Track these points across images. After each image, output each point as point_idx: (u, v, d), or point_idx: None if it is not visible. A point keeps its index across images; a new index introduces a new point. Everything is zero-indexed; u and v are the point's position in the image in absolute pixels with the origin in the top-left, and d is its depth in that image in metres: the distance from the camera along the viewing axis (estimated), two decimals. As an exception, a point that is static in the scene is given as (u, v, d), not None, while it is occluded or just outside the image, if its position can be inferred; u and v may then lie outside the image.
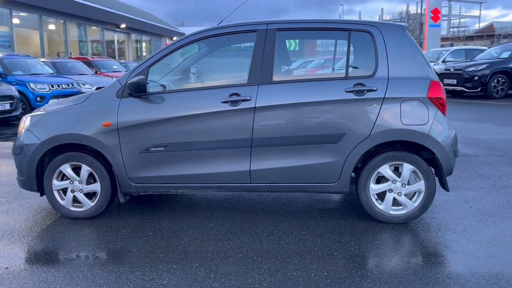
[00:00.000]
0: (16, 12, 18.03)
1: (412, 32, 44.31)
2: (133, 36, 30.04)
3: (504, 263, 2.92)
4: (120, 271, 2.87)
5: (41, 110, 4.02)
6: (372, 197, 3.62)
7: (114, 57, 27.67)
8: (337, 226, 3.60)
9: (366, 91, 3.50)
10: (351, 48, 3.65)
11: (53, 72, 12.93)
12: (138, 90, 3.57)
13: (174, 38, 36.97)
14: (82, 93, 9.47)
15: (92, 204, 3.81)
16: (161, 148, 3.66)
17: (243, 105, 3.55)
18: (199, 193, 3.84)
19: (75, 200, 3.84)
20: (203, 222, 3.73)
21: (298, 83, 3.65)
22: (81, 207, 3.83)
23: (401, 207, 3.63)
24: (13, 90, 10.01)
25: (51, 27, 21.53)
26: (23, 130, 3.86)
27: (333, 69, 3.90)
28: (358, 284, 2.68)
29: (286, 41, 3.84)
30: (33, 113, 3.98)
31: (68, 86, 11.92)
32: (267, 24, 3.68)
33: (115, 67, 17.68)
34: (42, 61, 13.90)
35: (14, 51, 17.06)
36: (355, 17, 58.93)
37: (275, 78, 3.61)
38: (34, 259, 3.11)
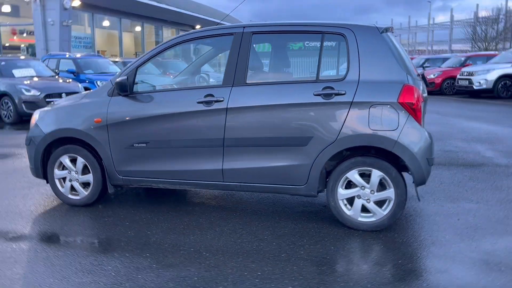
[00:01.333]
0: (97, 15, 19.62)
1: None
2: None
3: (451, 279, 2.76)
4: (79, 254, 3.16)
5: (51, 105, 4.47)
6: (340, 202, 3.57)
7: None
8: (303, 229, 3.60)
9: (334, 95, 3.46)
10: (324, 51, 3.61)
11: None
12: (122, 90, 3.85)
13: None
14: None
15: (86, 193, 4.17)
16: (143, 145, 3.91)
17: (216, 106, 3.68)
18: (178, 188, 4.03)
19: (73, 189, 4.23)
20: (180, 217, 3.92)
21: (270, 85, 3.70)
22: (77, 195, 4.21)
23: (370, 214, 3.54)
24: (79, 87, 10.99)
25: (130, 29, 23.10)
26: (33, 123, 4.33)
27: (306, 72, 3.88)
28: (283, 285, 2.70)
29: (262, 44, 3.90)
30: (43, 109, 4.44)
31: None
32: (244, 27, 3.77)
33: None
34: (115, 61, 15.06)
35: (94, 51, 18.60)
36: (447, 14, 55.48)
37: (248, 80, 3.69)
38: (26, 238, 3.51)
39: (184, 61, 11.76)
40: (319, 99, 3.48)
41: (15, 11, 19.81)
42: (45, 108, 4.42)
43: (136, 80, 3.97)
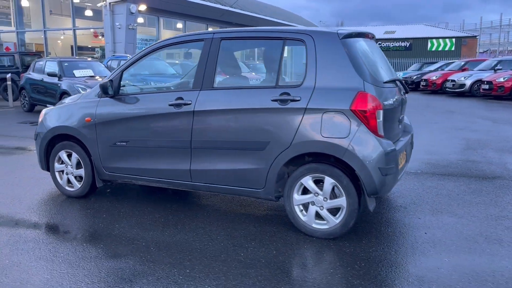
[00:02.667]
0: (163, 19, 20.67)
1: None
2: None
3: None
4: (45, 241, 3.49)
5: (57, 104, 4.92)
6: (296, 207, 3.58)
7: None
8: (259, 232, 3.65)
9: (289, 101, 3.48)
10: (285, 57, 3.64)
11: (175, 72, 14.63)
12: (104, 92, 4.16)
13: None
14: None
15: (79, 186, 4.56)
16: (124, 143, 4.20)
17: (184, 109, 3.86)
18: (155, 185, 4.25)
19: (69, 181, 4.63)
20: (154, 213, 4.14)
21: (233, 90, 3.80)
22: (72, 187, 4.61)
23: (324, 221, 3.51)
24: None
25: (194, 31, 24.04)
26: (40, 120, 4.80)
27: (268, 78, 3.89)
28: (202, 284, 2.80)
29: (232, 49, 3.99)
30: (49, 107, 4.90)
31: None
32: (213, 33, 3.90)
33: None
34: (175, 63, 15.82)
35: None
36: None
37: (216, 85, 3.82)
38: (21, 221, 3.95)
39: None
40: (276, 105, 3.52)
41: (96, 15, 21.44)
42: (51, 107, 4.87)
43: (122, 82, 4.26)
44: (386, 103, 3.49)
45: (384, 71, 3.92)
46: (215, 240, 3.50)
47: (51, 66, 12.29)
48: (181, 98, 3.88)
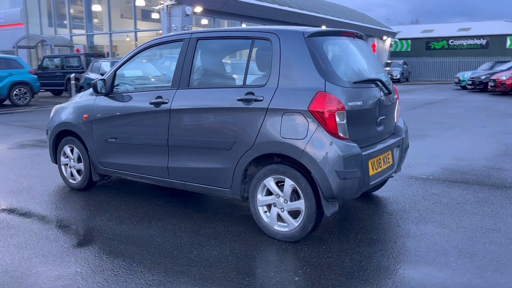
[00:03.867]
0: (219, 20, 21.10)
1: None
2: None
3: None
4: (26, 229, 3.76)
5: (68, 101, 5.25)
6: (260, 208, 3.54)
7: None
8: (225, 232, 3.65)
9: (253, 101, 3.45)
10: (253, 56, 3.60)
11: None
12: (95, 91, 4.38)
13: (384, 38, 36.20)
14: None
15: (80, 179, 4.84)
16: (114, 140, 4.39)
17: (162, 107, 3.96)
18: (141, 181, 4.39)
19: (72, 174, 4.93)
20: (140, 208, 4.28)
21: (205, 89, 3.83)
22: (74, 180, 4.90)
23: (285, 224, 3.44)
24: None
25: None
26: (50, 116, 5.15)
27: (238, 77, 3.83)
28: (137, 277, 2.87)
29: (207, 49, 4.01)
30: (59, 104, 5.24)
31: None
32: (191, 34, 3.97)
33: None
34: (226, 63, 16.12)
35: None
36: None
37: (191, 84, 3.88)
38: (23, 207, 4.30)
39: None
40: (241, 104, 3.51)
41: (146, 16, 22.48)
42: (60, 104, 5.21)
43: (116, 82, 4.46)
44: (353, 103, 3.34)
45: (365, 71, 3.76)
46: (178, 237, 3.57)
47: (105, 67, 13.07)
48: (160, 97, 3.99)
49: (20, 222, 3.91)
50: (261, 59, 3.58)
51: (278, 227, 3.46)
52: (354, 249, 3.30)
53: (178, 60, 3.96)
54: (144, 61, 4.47)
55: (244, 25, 22.89)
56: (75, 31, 24.11)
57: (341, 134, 3.24)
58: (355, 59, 3.81)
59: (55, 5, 24.23)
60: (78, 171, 4.86)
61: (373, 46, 34.90)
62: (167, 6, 17.98)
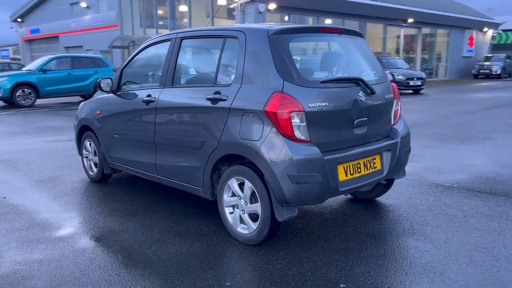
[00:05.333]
0: (294, 16, 20.94)
1: None
2: (425, 30, 28.90)
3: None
4: (22, 214, 4.12)
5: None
6: (226, 209, 3.51)
7: (398, 53, 27.67)
8: (196, 230, 3.67)
9: (219, 100, 3.42)
10: (223, 55, 3.55)
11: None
12: (100, 89, 4.64)
13: (484, 30, 33.19)
14: None
15: (96, 171, 5.17)
16: (117, 136, 4.63)
17: (150, 105, 4.09)
18: (139, 176, 4.56)
19: (91, 167, 5.29)
20: (134, 202, 4.47)
21: (184, 88, 3.86)
22: (92, 172, 5.26)
23: (246, 226, 3.37)
24: None
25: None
26: (78, 112, 5.56)
27: (209, 76, 3.74)
28: (69, 267, 3.02)
29: (188, 48, 4.02)
30: (85, 101, 5.62)
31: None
32: (177, 33, 4.02)
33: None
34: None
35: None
36: None
37: (174, 83, 3.95)
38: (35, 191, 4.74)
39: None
40: (209, 104, 3.49)
41: (231, 15, 23.03)
42: (87, 100, 5.59)
43: (123, 80, 4.68)
44: (317, 104, 3.14)
45: (344, 69, 3.53)
46: (149, 232, 3.67)
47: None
48: (150, 95, 4.11)
49: (23, 209, 4.30)
50: (229, 58, 3.53)
51: (240, 229, 3.40)
52: (311, 257, 3.13)
53: (165, 59, 4.05)
54: (146, 59, 4.62)
55: (329, 21, 22.53)
56: (161, 31, 25.54)
57: (299, 137, 3.09)
58: (334, 57, 3.58)
59: (144, 7, 25.88)
60: (95, 164, 5.19)
61: (471, 38, 32.20)
62: (241, 4, 18.29)
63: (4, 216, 4.10)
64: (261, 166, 3.12)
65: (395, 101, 3.88)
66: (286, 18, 20.89)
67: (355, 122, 3.41)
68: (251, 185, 3.24)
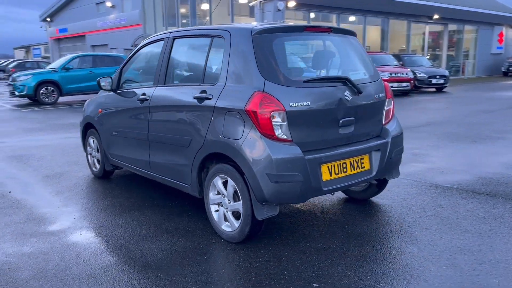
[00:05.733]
0: (313, 13, 20.80)
1: None
2: (452, 26, 28.18)
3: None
4: (26, 203, 4.28)
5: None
6: (212, 207, 3.55)
7: (423, 51, 27.11)
8: (185, 227, 3.73)
9: (205, 99, 3.46)
10: (211, 54, 3.58)
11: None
12: (99, 87, 4.74)
13: (515, 26, 32.11)
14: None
15: (98, 167, 5.31)
16: (116, 133, 4.74)
17: (144, 104, 4.17)
18: (137, 173, 4.65)
19: (94, 163, 5.42)
20: (132, 198, 4.57)
21: (174, 86, 3.91)
22: (96, 168, 5.39)
23: (229, 224, 3.40)
24: None
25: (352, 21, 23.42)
26: (83, 110, 5.70)
27: (197, 75, 3.77)
28: (63, 257, 3.12)
29: (179, 47, 4.06)
30: (90, 98, 5.75)
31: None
32: (170, 33, 4.08)
33: (395, 63, 17.80)
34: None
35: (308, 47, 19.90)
36: None
37: (167, 81, 4.01)
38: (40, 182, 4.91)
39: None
40: (196, 102, 3.54)
41: (253, 13, 23.09)
42: (92, 98, 5.73)
43: (122, 79, 4.78)
44: (299, 104, 3.14)
45: (330, 69, 3.52)
46: (139, 228, 3.74)
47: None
48: (144, 94, 4.19)
49: (25, 204, 4.45)
50: (216, 57, 3.55)
51: (225, 227, 3.44)
52: (291, 256, 3.14)
53: (159, 58, 4.11)
54: (142, 58, 4.71)
55: (352, 18, 22.28)
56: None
57: (280, 136, 3.09)
58: (322, 56, 3.57)
59: (167, 5, 26.19)
60: (98, 161, 5.32)
61: (501, 35, 31.26)
62: (260, 1, 18.30)
63: (5, 210, 4.26)
64: (242, 165, 3.14)
65: (387, 100, 3.83)
66: (313, 15, 20.79)
67: (341, 121, 3.39)
68: (233, 183, 3.27)
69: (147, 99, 4.11)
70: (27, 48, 60.28)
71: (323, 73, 3.55)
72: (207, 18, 25.13)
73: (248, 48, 3.24)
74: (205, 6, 25.19)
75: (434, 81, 17.60)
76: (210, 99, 3.41)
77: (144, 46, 4.54)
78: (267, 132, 3.07)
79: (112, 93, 4.82)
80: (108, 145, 4.92)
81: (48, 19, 37.50)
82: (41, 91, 14.46)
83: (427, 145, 6.87)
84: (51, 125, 9.86)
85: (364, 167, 3.57)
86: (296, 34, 3.51)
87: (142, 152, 4.30)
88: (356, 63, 3.74)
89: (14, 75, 15.54)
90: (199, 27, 3.89)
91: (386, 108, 3.84)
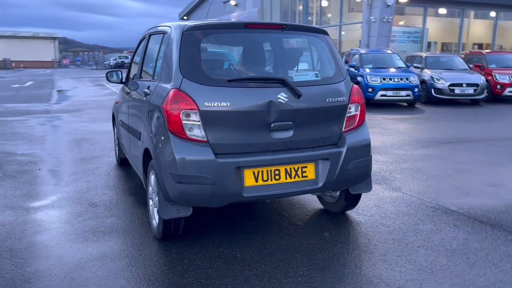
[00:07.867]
0: (431, 9, 19.07)
1: None
2: None
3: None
4: (40, 182, 4.83)
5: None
6: (149, 201, 3.59)
7: None
8: (139, 225, 3.84)
9: (147, 95, 3.52)
10: (161, 51, 3.58)
11: (402, 66, 13.67)
12: (107, 79, 5.07)
13: None
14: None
15: (116, 157, 5.73)
16: (120, 123, 5.05)
17: (147, 98, 4.35)
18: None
19: (115, 150, 5.85)
20: (132, 191, 4.81)
21: (142, 81, 4.01)
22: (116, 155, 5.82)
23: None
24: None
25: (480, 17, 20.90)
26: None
27: (152, 71, 3.72)
28: (22, 237, 3.46)
29: (150, 44, 4.11)
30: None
31: (398, 80, 12.59)
32: (149, 29, 4.20)
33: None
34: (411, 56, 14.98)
35: (423, 45, 18.44)
36: None
37: (142, 76, 4.17)
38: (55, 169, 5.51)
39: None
40: (143, 97, 3.62)
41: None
42: (120, 92, 6.14)
43: (132, 72, 5.06)
44: (216, 103, 2.99)
45: (267, 69, 3.30)
46: (112, 218, 3.96)
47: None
48: (148, 88, 4.37)
49: (35, 181, 5.01)
50: (161, 53, 3.56)
51: (154, 222, 3.46)
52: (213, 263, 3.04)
53: (141, 53, 4.28)
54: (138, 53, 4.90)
55: (471, 13, 20.11)
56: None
57: (191, 136, 3.00)
58: (258, 55, 3.34)
59: (283, 2, 26.52)
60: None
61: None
62: (368, -2, 17.49)
63: (16, 184, 4.86)
64: (154, 162, 3.14)
65: (350, 105, 3.43)
66: (444, 11, 19.21)
67: (272, 125, 3.14)
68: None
69: (149, 94, 4.28)
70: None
71: (254, 73, 3.32)
72: (329, 15, 24.79)
73: (176, 45, 3.21)
74: (324, 3, 24.81)
75: None
76: (149, 95, 3.46)
77: (141, 41, 4.74)
78: (176, 131, 3.01)
79: (123, 85, 5.14)
80: (119, 134, 5.27)
81: (185, 18, 40.88)
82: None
83: (475, 161, 5.92)
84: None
85: (306, 176, 3.27)
86: (234, 31, 3.35)
87: (127, 144, 4.52)
88: (308, 63, 3.42)
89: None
90: (161, 24, 3.93)
91: (348, 114, 3.44)
